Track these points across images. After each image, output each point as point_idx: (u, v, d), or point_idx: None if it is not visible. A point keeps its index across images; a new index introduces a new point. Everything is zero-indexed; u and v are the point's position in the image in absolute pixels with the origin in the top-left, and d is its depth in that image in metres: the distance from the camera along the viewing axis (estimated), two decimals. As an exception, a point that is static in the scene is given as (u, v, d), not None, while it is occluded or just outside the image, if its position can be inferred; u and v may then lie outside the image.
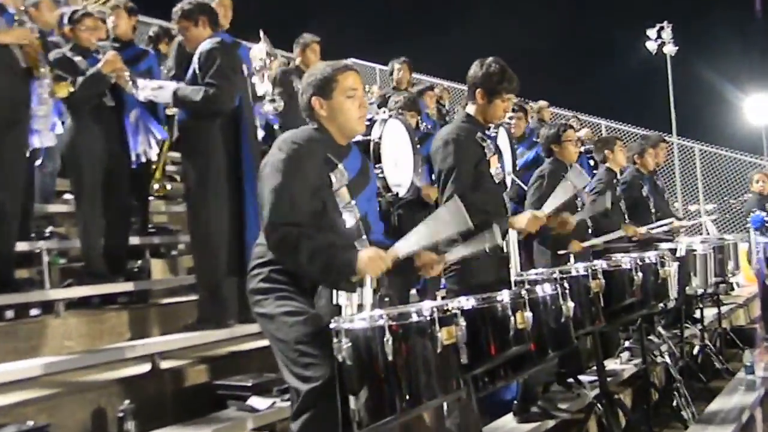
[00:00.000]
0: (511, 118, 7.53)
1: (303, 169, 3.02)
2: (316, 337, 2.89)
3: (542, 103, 11.92)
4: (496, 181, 4.24)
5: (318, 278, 3.01)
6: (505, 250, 4.19)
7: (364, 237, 3.18)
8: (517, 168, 7.05)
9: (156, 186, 7.11)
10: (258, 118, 5.75)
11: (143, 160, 5.92)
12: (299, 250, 2.91)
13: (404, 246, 2.98)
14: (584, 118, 14.84)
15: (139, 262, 6.17)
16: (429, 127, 7.15)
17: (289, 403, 3.12)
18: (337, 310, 2.97)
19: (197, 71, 4.93)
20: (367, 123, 5.48)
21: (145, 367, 4.43)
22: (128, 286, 5.63)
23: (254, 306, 3.12)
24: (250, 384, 4.21)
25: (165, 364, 4.50)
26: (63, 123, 5.52)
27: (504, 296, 2.99)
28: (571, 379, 5.26)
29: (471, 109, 4.27)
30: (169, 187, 7.31)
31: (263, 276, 3.08)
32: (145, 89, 5.09)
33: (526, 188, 6.39)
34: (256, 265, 3.12)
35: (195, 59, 4.98)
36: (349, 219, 3.14)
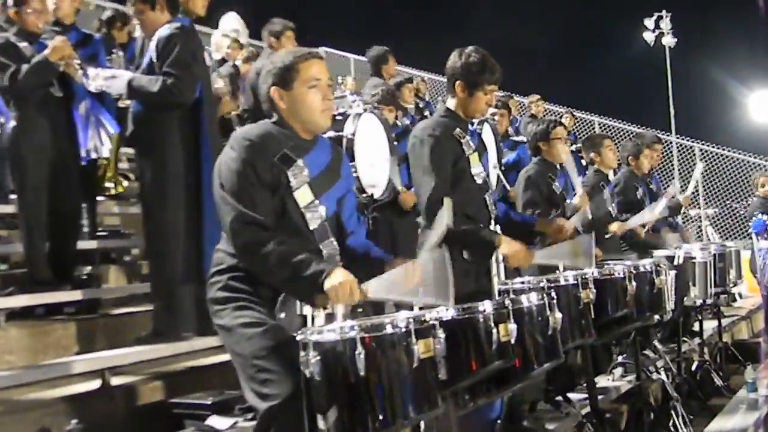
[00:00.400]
0: (493, 114, 7.57)
1: (257, 168, 3.03)
2: (276, 351, 2.90)
3: (534, 96, 11.99)
4: (478, 182, 4.25)
5: (284, 287, 3.02)
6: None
7: (332, 239, 3.19)
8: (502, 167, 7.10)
9: (110, 184, 7.06)
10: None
11: (93, 156, 5.89)
12: (269, 253, 2.92)
13: (376, 289, 2.95)
14: (576, 115, 14.94)
15: (89, 268, 6.13)
16: (408, 122, 7.18)
17: (253, 422, 3.12)
18: (304, 321, 2.98)
19: (154, 59, 4.92)
20: (340, 117, 5.51)
21: (95, 384, 4.41)
22: (76, 295, 5.58)
23: (213, 317, 3.12)
24: (209, 402, 4.20)
25: (116, 381, 4.48)
26: (2, 125, 5.48)
27: (486, 306, 3.01)
28: (559, 397, 5.28)
29: (451, 103, 4.28)
30: (125, 184, 7.27)
31: (221, 284, 3.09)
32: (97, 79, 5.06)
33: (509, 188, 6.44)
34: (215, 272, 3.13)
35: (152, 46, 4.97)
36: (313, 220, 3.14)
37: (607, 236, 6.19)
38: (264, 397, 2.89)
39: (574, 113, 14.54)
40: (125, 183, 7.33)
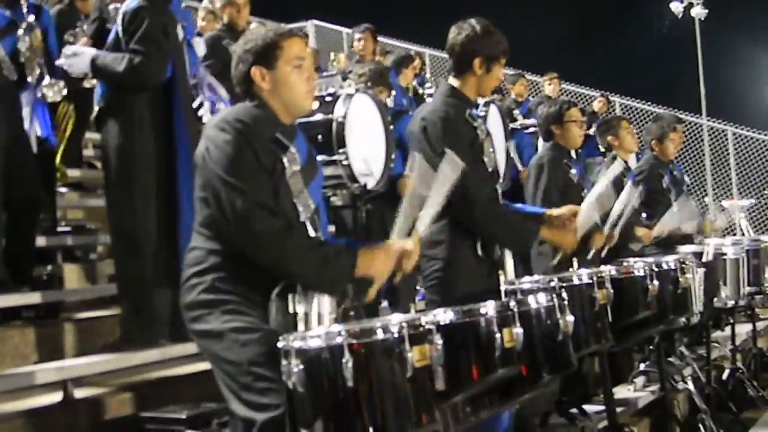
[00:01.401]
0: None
1: (257, 150, 3.06)
2: (274, 358, 2.90)
3: (552, 74, 11.99)
4: (489, 170, 4.26)
5: (308, 278, 3.05)
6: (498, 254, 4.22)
7: (320, 233, 3.24)
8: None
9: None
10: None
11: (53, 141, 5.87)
12: (289, 241, 2.99)
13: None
14: (595, 95, 14.90)
15: (49, 267, 6.13)
16: (404, 103, 7.19)
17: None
18: (295, 321, 3.00)
19: (120, 34, 4.93)
20: (329, 98, 5.50)
21: (56, 397, 4.42)
22: (35, 298, 5.58)
23: (194, 322, 3.13)
24: (184, 416, 4.21)
25: (80, 393, 4.49)
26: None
27: (489, 308, 3.01)
28: (574, 409, 5.30)
29: (456, 82, 4.26)
30: (71, 174, 7.25)
31: (205, 286, 3.09)
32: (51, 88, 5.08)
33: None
34: (194, 273, 3.13)
35: (118, 18, 4.98)
36: (304, 211, 3.18)
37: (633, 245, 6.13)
38: (262, 407, 2.91)
39: (593, 93, 14.51)
40: (68, 173, 7.29)
